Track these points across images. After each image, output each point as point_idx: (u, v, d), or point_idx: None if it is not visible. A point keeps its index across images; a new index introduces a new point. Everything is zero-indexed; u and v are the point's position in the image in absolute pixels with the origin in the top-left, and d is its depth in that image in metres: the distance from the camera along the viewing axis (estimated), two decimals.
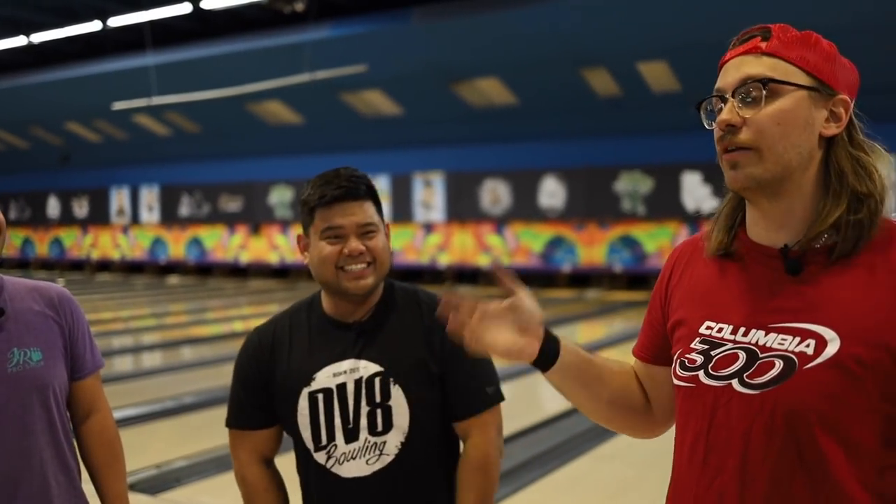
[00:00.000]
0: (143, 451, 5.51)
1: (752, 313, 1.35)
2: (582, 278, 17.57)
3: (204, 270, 22.53)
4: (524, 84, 16.05)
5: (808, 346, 1.27)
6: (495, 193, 18.09)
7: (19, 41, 18.64)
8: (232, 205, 21.73)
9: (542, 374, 1.50)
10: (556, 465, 5.38)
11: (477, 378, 1.97)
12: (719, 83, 1.37)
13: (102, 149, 23.06)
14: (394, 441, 1.91)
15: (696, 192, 15.71)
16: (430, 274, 18.70)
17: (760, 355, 1.31)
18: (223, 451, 5.64)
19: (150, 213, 23.34)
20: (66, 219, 25.00)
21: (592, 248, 17.19)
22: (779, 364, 1.29)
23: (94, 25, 17.13)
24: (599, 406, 1.56)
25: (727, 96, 1.35)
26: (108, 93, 18.93)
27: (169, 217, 22.90)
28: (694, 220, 15.40)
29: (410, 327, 1.96)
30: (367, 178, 1.99)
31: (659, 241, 16.31)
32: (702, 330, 1.39)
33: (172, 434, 6.29)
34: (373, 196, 1.98)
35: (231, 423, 2.05)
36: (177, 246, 22.84)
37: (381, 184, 19.27)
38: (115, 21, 16.69)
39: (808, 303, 1.30)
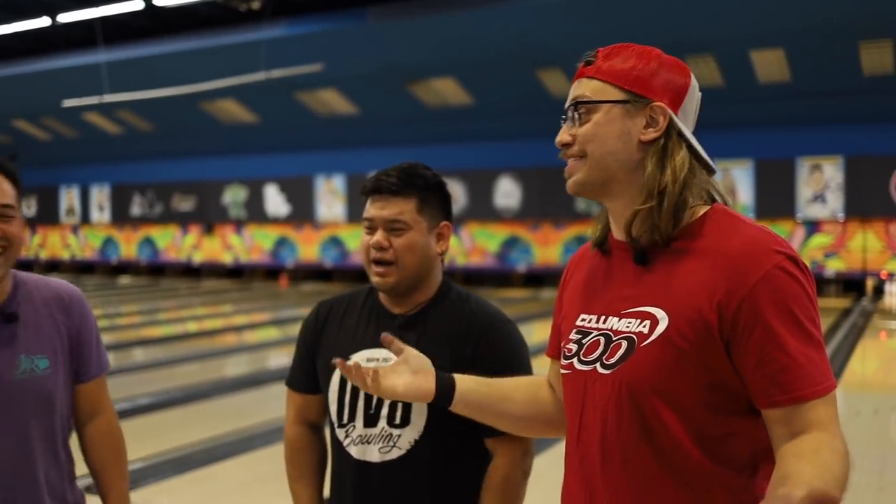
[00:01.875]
0: None
1: (610, 302, 1.52)
2: (537, 278, 17.67)
3: (156, 270, 22.29)
4: (480, 84, 16.09)
5: (644, 326, 1.44)
6: (451, 193, 18.09)
7: None
8: (185, 204, 21.51)
9: (448, 407, 1.77)
10: None
11: None
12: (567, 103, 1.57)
13: (51, 147, 22.68)
14: (408, 437, 1.94)
15: None
16: None
17: (613, 338, 1.48)
18: (180, 453, 5.63)
19: (101, 212, 23.03)
20: None
21: (548, 247, 17.30)
22: (624, 345, 1.46)
23: (43, 21, 16.83)
24: (513, 421, 1.81)
25: (564, 116, 1.57)
26: (57, 90, 18.60)
27: (120, 217, 22.61)
28: None
29: (448, 332, 1.98)
30: (425, 176, 2.02)
31: None
32: (578, 322, 1.57)
33: (127, 436, 6.19)
34: (421, 193, 1.99)
35: (287, 381, 2.17)
36: (128, 246, 22.56)
37: (337, 184, 19.21)
38: (65, 17, 16.41)
39: (647, 288, 1.47)
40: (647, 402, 1.42)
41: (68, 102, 18.29)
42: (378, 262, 1.96)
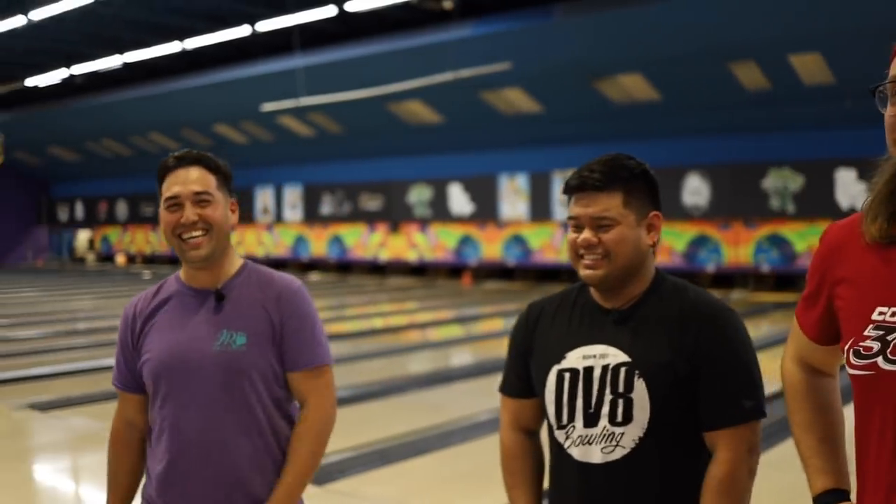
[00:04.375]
0: None
1: None
2: (727, 278, 17.05)
3: (344, 268, 22.99)
4: (667, 79, 15.67)
5: None
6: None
7: (173, 47, 19.43)
8: (372, 203, 22.08)
9: None
10: None
11: (734, 387, 1.86)
12: None
13: (248, 150, 23.82)
14: (631, 435, 1.86)
15: (850, 189, 14.99)
16: (569, 273, 18.51)
17: None
18: (379, 446, 5.73)
19: (294, 211, 23.97)
20: None
21: (738, 247, 16.66)
22: None
23: (244, 30, 17.69)
24: None
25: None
26: (256, 95, 19.53)
27: (311, 215, 23.47)
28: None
29: (665, 323, 1.90)
30: (629, 167, 1.92)
31: (810, 241, 15.64)
32: (874, 316, 1.39)
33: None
34: (626, 186, 1.91)
35: (500, 387, 2.12)
36: (318, 243, 23.38)
37: (520, 182, 19.21)
38: (263, 25, 17.19)
39: None
40: None
41: (267, 107, 19.15)
42: (586, 256, 1.90)
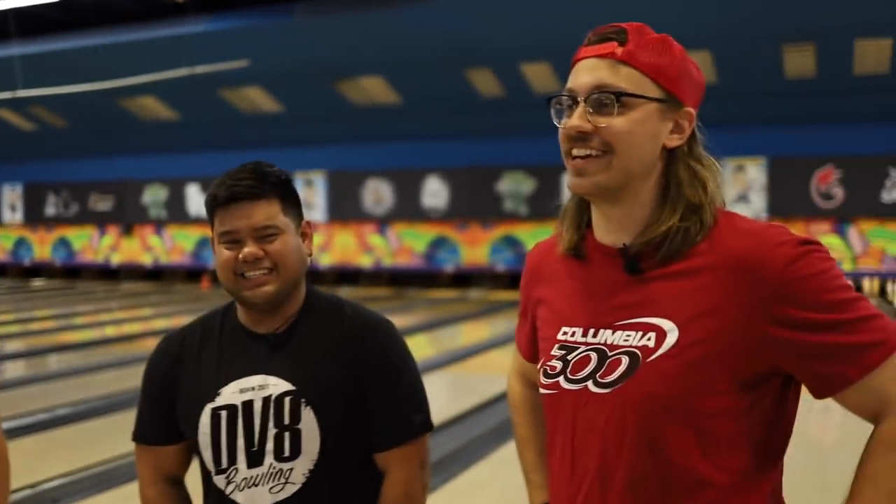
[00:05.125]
0: (14, 470, 5.11)
1: (598, 313, 1.39)
2: (465, 278, 17.60)
3: (72, 273, 21.59)
4: (408, 83, 15.94)
5: (649, 339, 1.32)
6: (378, 193, 17.93)
7: None
8: (102, 204, 20.88)
9: None
10: (456, 470, 5.27)
11: (401, 403, 1.78)
12: (571, 83, 1.37)
13: None
14: (301, 469, 1.72)
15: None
16: (310, 275, 18.38)
17: (609, 354, 1.35)
18: (105, 467, 5.32)
19: (13, 212, 22.22)
20: None
21: (475, 247, 17.24)
22: (625, 360, 1.33)
23: None
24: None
25: (579, 99, 1.35)
26: None
27: (34, 217, 21.84)
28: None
29: (329, 342, 1.77)
30: (275, 175, 1.80)
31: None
32: (559, 336, 1.43)
33: (45, 450, 5.88)
34: (281, 193, 1.78)
35: (134, 436, 1.88)
36: (42, 247, 21.80)
37: None
38: None
39: (645, 298, 1.35)
40: (654, 421, 1.31)
41: None
42: (249, 273, 1.73)
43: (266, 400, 1.72)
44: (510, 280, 17.03)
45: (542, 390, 1.45)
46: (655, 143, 1.36)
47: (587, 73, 1.36)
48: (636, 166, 1.36)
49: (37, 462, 5.42)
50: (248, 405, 1.73)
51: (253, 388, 1.73)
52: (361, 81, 16.25)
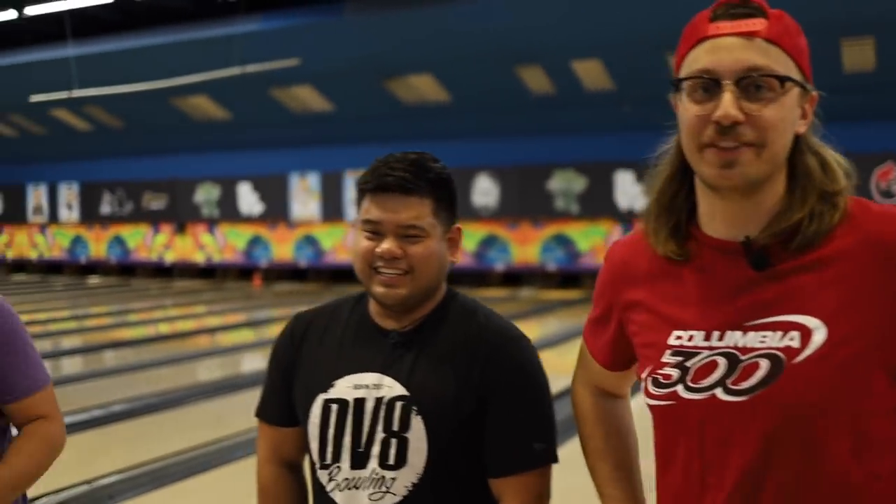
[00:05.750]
0: (70, 465, 5.16)
1: (722, 315, 1.28)
2: (515, 277, 17.50)
3: (127, 270, 21.90)
4: (457, 81, 15.88)
5: (792, 339, 1.22)
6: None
7: None
8: (156, 203, 21.14)
9: None
10: None
11: (524, 427, 1.64)
12: (710, 63, 1.23)
13: (18, 144, 22.20)
14: (404, 480, 1.61)
15: (629, 190, 15.75)
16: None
17: (742, 358, 1.25)
18: (159, 464, 5.34)
19: (70, 211, 22.58)
20: None
21: (526, 246, 17.13)
22: (764, 364, 1.23)
23: (9, 14, 16.42)
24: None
25: (724, 83, 1.22)
26: (25, 85, 18.20)
27: (89, 215, 22.18)
28: (627, 218, 15.48)
29: (453, 350, 1.65)
30: (436, 171, 1.68)
31: (592, 240, 16.33)
32: (671, 341, 1.32)
33: (101, 446, 5.93)
34: (436, 192, 1.67)
35: (257, 411, 1.82)
36: (98, 245, 22.14)
37: (312, 182, 18.94)
38: (32, 10, 16.01)
39: (780, 294, 1.25)
40: (808, 429, 1.22)
41: (36, 98, 17.89)
42: (383, 270, 1.63)
43: (378, 401, 1.64)
44: (561, 279, 16.89)
45: (650, 401, 1.34)
46: (793, 129, 1.29)
47: (728, 52, 1.23)
48: (782, 156, 1.28)
49: (93, 458, 5.47)
50: (360, 403, 1.64)
51: (367, 386, 1.65)
52: (411, 80, 16.23)
